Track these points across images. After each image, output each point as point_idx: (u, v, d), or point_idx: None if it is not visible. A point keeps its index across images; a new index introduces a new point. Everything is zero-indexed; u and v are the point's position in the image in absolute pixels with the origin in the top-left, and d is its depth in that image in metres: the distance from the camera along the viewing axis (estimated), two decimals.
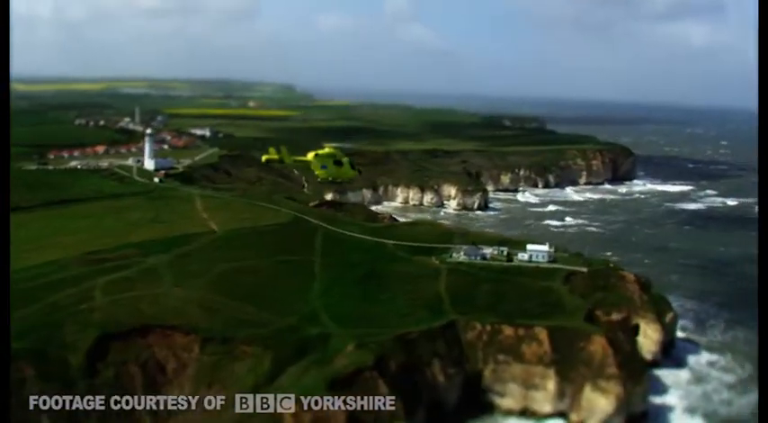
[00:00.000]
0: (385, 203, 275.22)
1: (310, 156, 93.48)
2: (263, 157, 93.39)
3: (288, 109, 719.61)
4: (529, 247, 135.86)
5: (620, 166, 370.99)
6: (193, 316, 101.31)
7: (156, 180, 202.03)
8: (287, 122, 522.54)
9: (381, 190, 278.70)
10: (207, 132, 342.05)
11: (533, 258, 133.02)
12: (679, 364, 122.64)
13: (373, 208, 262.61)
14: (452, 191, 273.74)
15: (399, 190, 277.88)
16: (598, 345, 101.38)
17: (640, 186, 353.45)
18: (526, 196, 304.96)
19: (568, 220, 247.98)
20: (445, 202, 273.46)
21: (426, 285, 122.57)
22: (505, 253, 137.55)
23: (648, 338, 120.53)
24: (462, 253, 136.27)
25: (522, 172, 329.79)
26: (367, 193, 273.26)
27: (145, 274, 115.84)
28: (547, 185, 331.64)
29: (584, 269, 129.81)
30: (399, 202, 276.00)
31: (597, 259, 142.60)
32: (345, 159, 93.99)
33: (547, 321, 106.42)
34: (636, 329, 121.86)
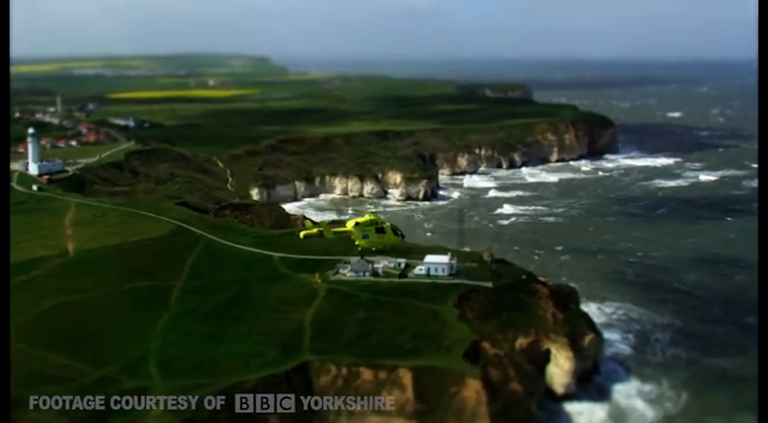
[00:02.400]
0: (322, 196, 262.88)
1: (350, 225, 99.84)
2: (302, 234, 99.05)
3: (250, 87, 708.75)
4: (427, 258, 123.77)
5: (598, 138, 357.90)
6: None
7: (35, 188, 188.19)
8: (238, 103, 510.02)
9: (318, 181, 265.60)
10: (130, 122, 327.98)
11: (432, 272, 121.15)
12: (600, 396, 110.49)
13: (307, 201, 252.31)
14: (398, 178, 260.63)
15: (338, 180, 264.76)
16: (472, 390, 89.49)
17: (619, 161, 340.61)
18: (484, 180, 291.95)
19: (523, 208, 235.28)
20: (389, 191, 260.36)
21: (293, 314, 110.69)
22: (403, 266, 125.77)
23: (559, 368, 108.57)
24: (349, 268, 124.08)
25: (482, 152, 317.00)
26: (300, 186, 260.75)
27: None
28: (512, 165, 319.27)
29: (490, 284, 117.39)
30: (338, 194, 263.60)
31: (515, 269, 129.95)
32: (387, 225, 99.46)
33: (416, 360, 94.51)
34: (547, 356, 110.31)
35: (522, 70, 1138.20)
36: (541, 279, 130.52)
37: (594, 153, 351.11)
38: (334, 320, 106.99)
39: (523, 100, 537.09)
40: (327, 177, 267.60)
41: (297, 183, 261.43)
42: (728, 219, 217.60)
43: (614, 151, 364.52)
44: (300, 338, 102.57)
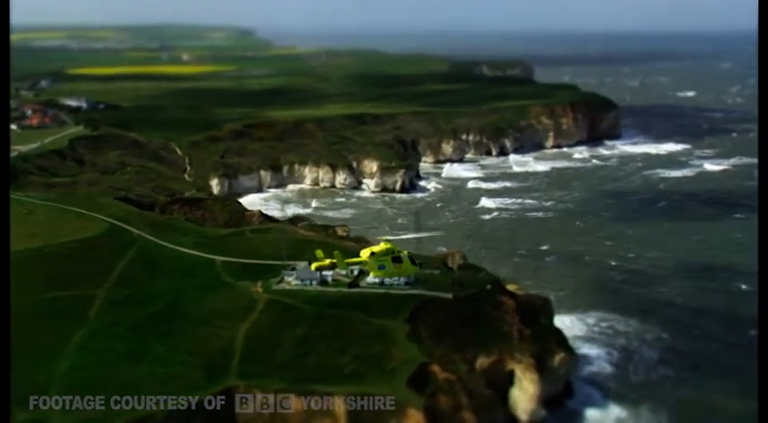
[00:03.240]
0: (290, 187, 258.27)
1: (365, 255, 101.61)
2: (313, 266, 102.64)
3: (227, 62, 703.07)
4: None
5: (599, 122, 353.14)
6: None
7: None
8: (210, 82, 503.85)
9: (285, 170, 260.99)
10: (83, 103, 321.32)
11: (386, 281, 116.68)
12: None
13: (273, 192, 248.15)
14: (374, 167, 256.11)
15: (308, 169, 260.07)
16: (413, 421, 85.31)
17: (621, 148, 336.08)
18: (469, 169, 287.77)
19: (509, 201, 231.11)
20: (364, 181, 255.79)
21: (226, 329, 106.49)
22: (356, 273, 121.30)
23: (524, 392, 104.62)
24: (294, 276, 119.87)
25: (470, 137, 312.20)
26: (266, 176, 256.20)
27: None
28: (503, 152, 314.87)
29: (449, 295, 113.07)
30: (308, 185, 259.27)
31: (483, 276, 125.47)
32: (404, 254, 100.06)
33: (354, 386, 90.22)
34: (512, 378, 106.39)
35: (524, 44, 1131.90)
36: (511, 288, 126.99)
37: (595, 138, 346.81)
38: (270, 338, 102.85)
39: (521, 79, 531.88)
40: (296, 166, 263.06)
41: (262, 172, 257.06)
42: (737, 215, 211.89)
43: (617, 136, 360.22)
44: (229, 359, 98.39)
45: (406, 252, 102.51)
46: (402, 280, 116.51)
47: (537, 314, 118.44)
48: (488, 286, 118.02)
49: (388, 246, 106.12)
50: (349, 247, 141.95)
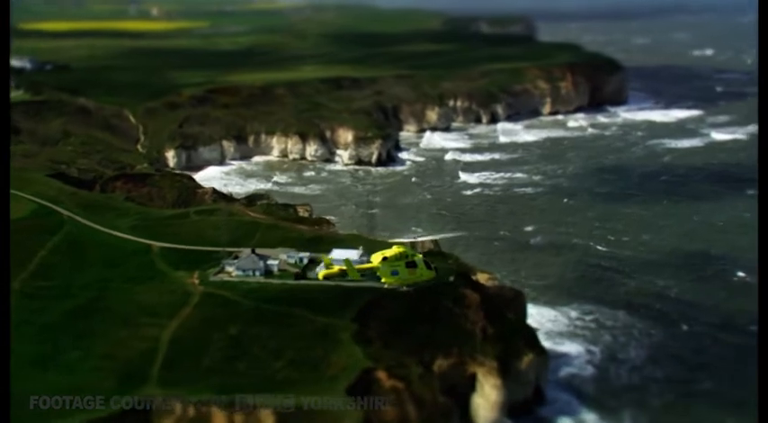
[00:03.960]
0: (256, 159, 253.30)
1: (376, 260, 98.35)
2: (320, 274, 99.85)
3: (200, 18, 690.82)
4: (331, 254, 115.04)
5: (602, 86, 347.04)
6: None
7: None
8: (177, 40, 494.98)
9: (251, 140, 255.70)
10: (26, 64, 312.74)
11: None
12: None
13: (236, 165, 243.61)
14: (348, 137, 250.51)
15: (275, 139, 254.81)
16: None
17: (625, 115, 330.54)
18: (454, 139, 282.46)
19: (495, 176, 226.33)
20: (338, 153, 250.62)
21: (151, 328, 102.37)
22: (305, 262, 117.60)
23: (485, 399, 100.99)
24: (235, 266, 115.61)
25: (458, 103, 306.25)
26: (229, 147, 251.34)
27: None
28: (494, 120, 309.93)
29: (406, 288, 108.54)
30: (275, 156, 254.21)
31: (451, 264, 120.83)
32: (419, 258, 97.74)
33: (286, 396, 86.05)
34: (473, 383, 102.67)
35: None
36: (482, 278, 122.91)
37: (597, 104, 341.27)
38: (200, 338, 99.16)
39: (521, 37, 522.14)
40: (263, 136, 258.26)
41: (225, 143, 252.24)
42: (748, 192, 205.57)
43: (622, 102, 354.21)
44: (149, 364, 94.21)
45: (420, 256, 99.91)
46: None
47: (505, 309, 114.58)
48: (451, 278, 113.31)
49: (401, 249, 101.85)
50: (303, 233, 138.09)
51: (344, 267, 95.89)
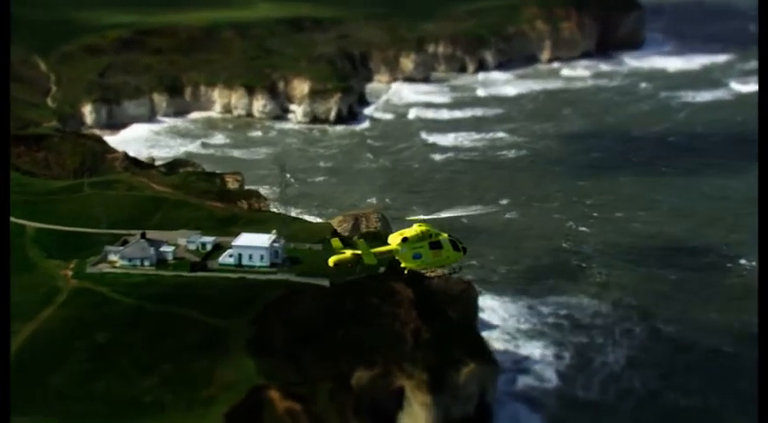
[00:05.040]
0: (193, 115, 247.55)
1: (394, 242, 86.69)
2: (331, 260, 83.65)
3: None
4: (237, 240, 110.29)
5: (614, 28, 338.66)
6: None
7: None
8: None
9: (188, 93, 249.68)
10: None
11: (244, 261, 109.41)
12: None
13: (169, 123, 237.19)
14: (304, 90, 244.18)
15: (217, 92, 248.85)
16: None
17: (638, 62, 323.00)
18: (431, 91, 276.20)
19: (475, 136, 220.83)
20: (291, 108, 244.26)
21: None
22: (209, 248, 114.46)
23: (413, 419, 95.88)
24: (121, 254, 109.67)
25: (439, 49, 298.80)
26: (161, 101, 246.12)
27: None
28: (482, 68, 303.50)
29: (326, 282, 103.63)
30: (217, 112, 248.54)
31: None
32: (444, 237, 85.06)
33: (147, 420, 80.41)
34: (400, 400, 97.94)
35: None
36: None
37: (608, 48, 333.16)
38: (57, 348, 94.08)
39: None
40: (203, 88, 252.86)
41: (155, 96, 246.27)
42: None
43: (637, 46, 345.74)
44: None
45: (446, 235, 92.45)
46: (265, 260, 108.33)
47: (451, 306, 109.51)
48: (382, 268, 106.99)
49: (424, 227, 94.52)
50: (215, 211, 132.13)
51: (359, 252, 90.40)
